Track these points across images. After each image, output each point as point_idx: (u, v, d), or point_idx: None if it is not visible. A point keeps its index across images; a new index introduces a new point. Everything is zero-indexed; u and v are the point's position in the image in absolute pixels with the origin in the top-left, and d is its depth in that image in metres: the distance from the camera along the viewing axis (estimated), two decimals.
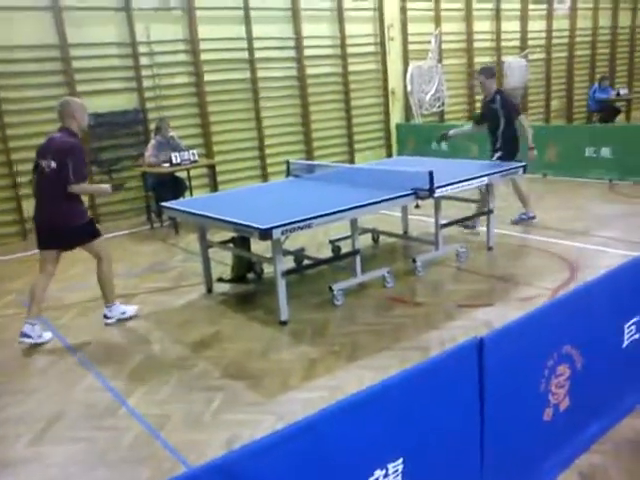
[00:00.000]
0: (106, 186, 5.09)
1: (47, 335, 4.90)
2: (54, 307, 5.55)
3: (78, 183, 4.69)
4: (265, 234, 4.27)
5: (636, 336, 2.99)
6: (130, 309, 5.25)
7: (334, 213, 4.68)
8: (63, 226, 4.79)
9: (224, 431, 3.40)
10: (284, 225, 4.34)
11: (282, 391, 3.81)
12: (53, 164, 4.68)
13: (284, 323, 4.79)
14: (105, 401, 3.84)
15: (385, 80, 12.16)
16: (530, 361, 2.42)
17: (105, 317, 5.13)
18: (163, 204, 5.76)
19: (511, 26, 14.23)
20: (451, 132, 7.29)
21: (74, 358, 4.52)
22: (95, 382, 4.11)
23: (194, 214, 5.18)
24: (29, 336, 4.77)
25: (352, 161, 11.68)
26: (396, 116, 12.51)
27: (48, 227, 4.82)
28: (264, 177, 10.62)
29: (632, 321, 2.96)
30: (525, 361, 2.39)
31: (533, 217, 7.12)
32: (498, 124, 6.67)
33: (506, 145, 6.66)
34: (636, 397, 3.10)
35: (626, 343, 2.93)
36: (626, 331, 2.92)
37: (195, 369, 4.19)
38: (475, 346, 2.19)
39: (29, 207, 8.26)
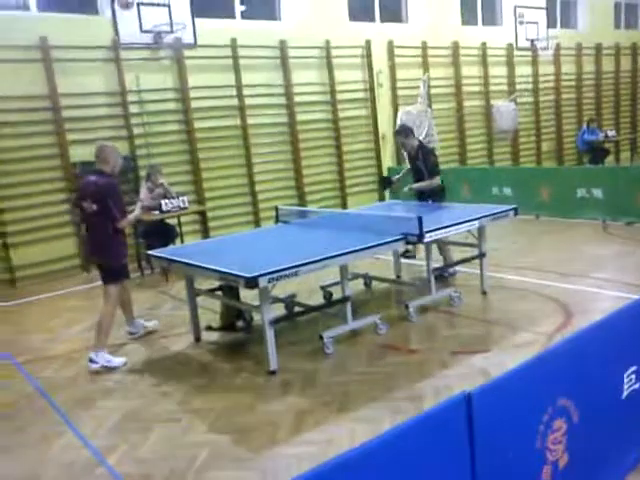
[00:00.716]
0: (139, 210, 5.53)
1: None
2: (37, 359, 5.39)
3: (124, 218, 5.10)
4: (251, 282, 4.17)
5: (636, 386, 2.85)
6: (117, 361, 5.11)
7: (321, 260, 4.58)
8: (107, 263, 5.21)
9: None
10: (270, 273, 4.24)
11: (270, 446, 3.65)
12: (94, 207, 5.03)
13: (273, 373, 4.64)
14: (83, 459, 3.66)
15: (375, 125, 12.24)
16: (524, 416, 2.28)
17: (90, 361, 5.01)
18: (150, 252, 5.68)
19: (498, 71, 14.46)
20: (394, 178, 7.30)
21: (54, 414, 4.33)
22: (74, 439, 3.93)
23: (180, 262, 5.08)
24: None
25: (344, 206, 11.66)
26: (387, 160, 12.58)
27: (97, 261, 5.31)
28: (256, 223, 10.56)
29: (631, 370, 2.82)
30: (518, 416, 2.25)
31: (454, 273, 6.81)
32: (423, 178, 6.80)
33: (434, 194, 6.75)
34: (639, 452, 2.94)
35: (625, 393, 2.79)
36: (625, 380, 2.79)
37: (180, 423, 4.03)
38: (463, 402, 2.05)
39: (18, 255, 8.24)
